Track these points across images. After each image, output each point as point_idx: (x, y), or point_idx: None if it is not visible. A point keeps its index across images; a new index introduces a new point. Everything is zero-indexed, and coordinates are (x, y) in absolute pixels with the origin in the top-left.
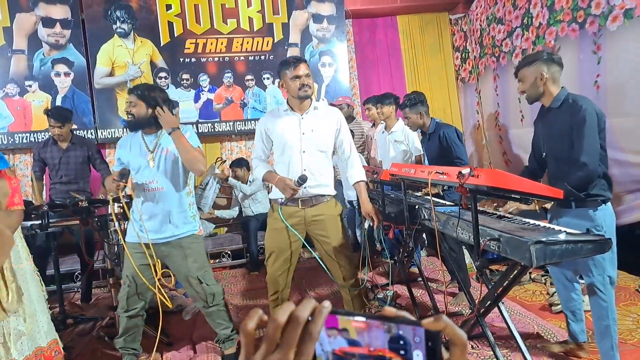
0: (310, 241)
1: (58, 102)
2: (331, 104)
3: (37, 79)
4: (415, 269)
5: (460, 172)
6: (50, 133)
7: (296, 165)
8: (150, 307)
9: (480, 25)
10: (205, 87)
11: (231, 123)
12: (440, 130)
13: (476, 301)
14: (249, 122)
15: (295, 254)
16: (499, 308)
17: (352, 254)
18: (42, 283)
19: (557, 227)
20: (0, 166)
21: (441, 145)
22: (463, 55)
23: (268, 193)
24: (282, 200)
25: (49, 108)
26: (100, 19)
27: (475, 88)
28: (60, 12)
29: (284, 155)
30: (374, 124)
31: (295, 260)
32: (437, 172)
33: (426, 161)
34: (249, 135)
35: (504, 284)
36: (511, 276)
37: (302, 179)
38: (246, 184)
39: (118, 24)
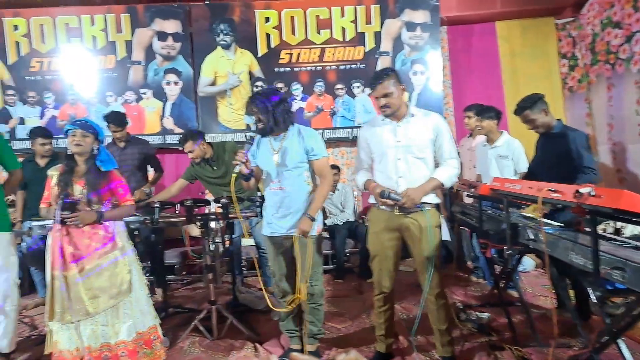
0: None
1: (168, 109)
2: None
3: (150, 87)
4: (514, 292)
5: (577, 191)
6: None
7: (391, 173)
8: (242, 305)
9: (593, 30)
10: (297, 96)
11: (320, 131)
12: (567, 134)
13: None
14: (338, 130)
15: (394, 257)
16: (617, 345)
17: (442, 265)
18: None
19: None
20: (110, 167)
21: (565, 151)
22: (571, 62)
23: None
24: (379, 205)
25: (108, 114)
26: (206, 32)
27: (585, 98)
28: (172, 26)
29: (381, 164)
30: (471, 134)
31: (395, 262)
32: (549, 190)
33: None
34: (337, 143)
35: (627, 319)
36: (637, 311)
37: (383, 195)
38: (333, 192)
39: (221, 36)
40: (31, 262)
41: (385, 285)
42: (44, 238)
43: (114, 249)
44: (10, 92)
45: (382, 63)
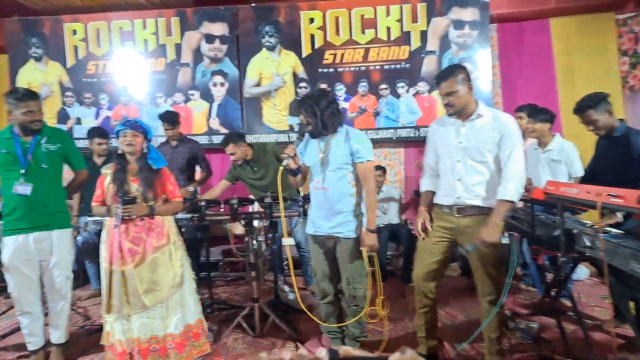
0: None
1: (214, 110)
2: None
3: (198, 89)
4: (567, 301)
5: None
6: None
7: (450, 175)
8: (284, 303)
9: None
10: (340, 97)
11: (363, 132)
12: (632, 136)
13: None
14: (381, 130)
15: (439, 256)
16: None
17: (498, 272)
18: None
19: None
20: (161, 164)
21: (628, 154)
22: (632, 59)
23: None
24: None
25: (163, 113)
26: (252, 34)
27: None
28: (219, 29)
29: (442, 164)
30: (522, 135)
31: (440, 264)
32: (608, 195)
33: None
34: (380, 144)
35: None
36: None
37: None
38: (377, 193)
39: (267, 38)
40: (85, 255)
41: (424, 280)
42: (97, 233)
43: (168, 243)
44: (68, 93)
45: (428, 62)
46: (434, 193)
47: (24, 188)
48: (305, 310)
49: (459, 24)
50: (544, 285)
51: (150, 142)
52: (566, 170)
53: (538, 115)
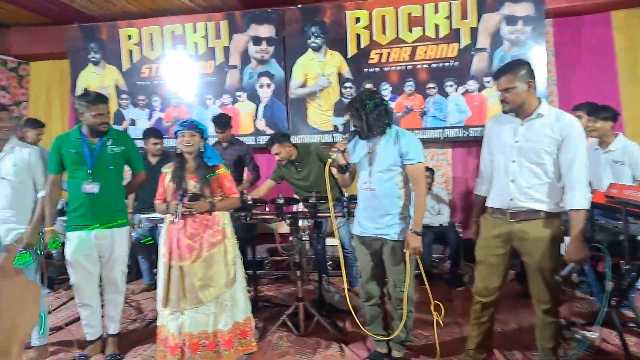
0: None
1: (260, 111)
2: None
3: (245, 90)
4: (629, 311)
5: None
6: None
7: (504, 175)
8: (328, 304)
9: None
10: (386, 97)
11: (413, 132)
12: None
13: None
14: (428, 130)
15: (500, 266)
16: None
17: (555, 280)
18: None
19: None
20: (217, 161)
21: None
22: None
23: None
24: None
25: (215, 116)
26: (298, 35)
27: None
28: (267, 31)
29: (495, 163)
30: None
31: (500, 272)
32: None
33: None
34: (427, 144)
35: None
36: None
37: None
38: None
39: (312, 38)
40: (139, 251)
41: (485, 295)
42: (150, 230)
43: (224, 240)
44: (124, 96)
45: (478, 60)
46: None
47: (92, 187)
48: (352, 311)
49: (511, 20)
50: (603, 294)
51: (206, 140)
52: (629, 172)
53: (599, 113)
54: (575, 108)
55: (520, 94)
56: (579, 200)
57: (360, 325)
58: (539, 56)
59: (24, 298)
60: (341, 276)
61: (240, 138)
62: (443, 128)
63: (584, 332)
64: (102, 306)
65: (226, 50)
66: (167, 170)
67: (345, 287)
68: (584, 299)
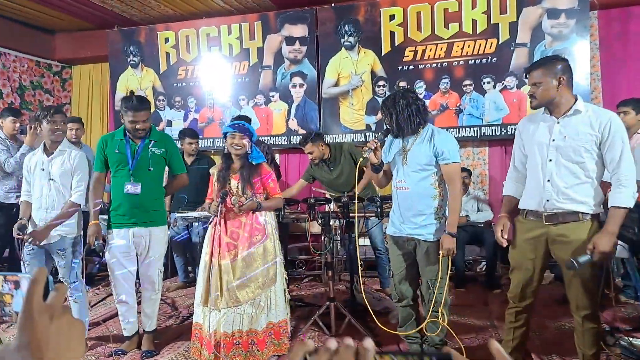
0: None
1: (292, 111)
2: None
3: (278, 90)
4: None
5: None
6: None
7: (539, 175)
8: (360, 304)
9: None
10: (420, 95)
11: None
12: None
13: None
14: (464, 129)
15: (536, 270)
16: None
17: (595, 285)
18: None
19: None
20: (260, 160)
21: None
22: None
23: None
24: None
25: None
26: (331, 35)
27: None
28: (299, 31)
29: (530, 163)
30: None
31: (535, 276)
32: None
33: None
34: (463, 143)
35: None
36: None
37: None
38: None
39: (346, 37)
40: (174, 249)
41: (520, 299)
42: (185, 228)
43: (266, 240)
44: (160, 97)
45: (518, 55)
46: (517, 200)
47: (134, 187)
48: (372, 312)
49: (553, 13)
50: None
51: (254, 143)
52: None
53: None
54: (621, 104)
55: (548, 90)
56: (626, 197)
57: (390, 327)
58: (582, 50)
59: (70, 337)
60: (374, 277)
61: (273, 138)
62: (480, 126)
63: (630, 338)
64: (139, 303)
65: (260, 50)
66: (214, 170)
67: (361, 286)
68: (629, 304)
